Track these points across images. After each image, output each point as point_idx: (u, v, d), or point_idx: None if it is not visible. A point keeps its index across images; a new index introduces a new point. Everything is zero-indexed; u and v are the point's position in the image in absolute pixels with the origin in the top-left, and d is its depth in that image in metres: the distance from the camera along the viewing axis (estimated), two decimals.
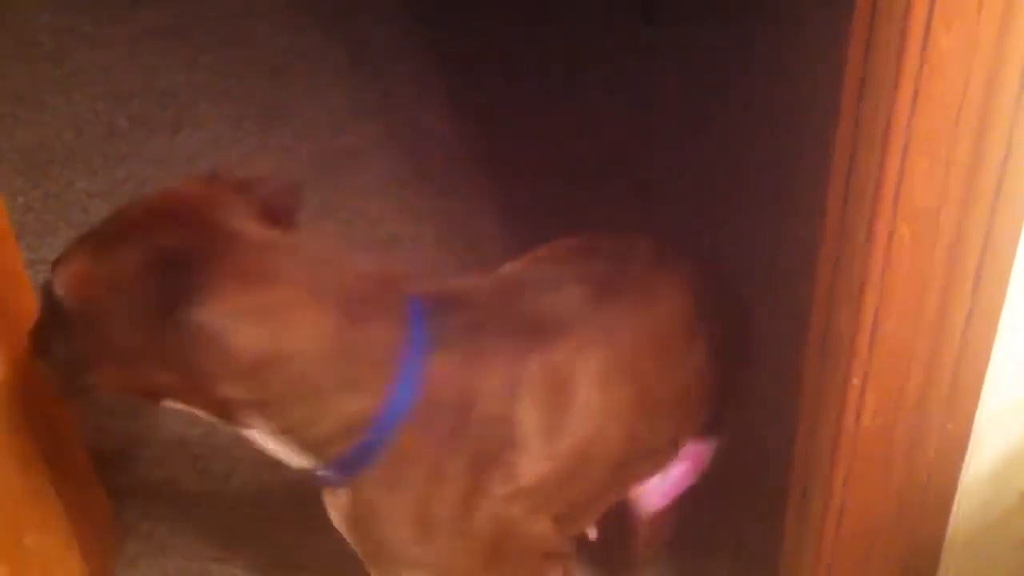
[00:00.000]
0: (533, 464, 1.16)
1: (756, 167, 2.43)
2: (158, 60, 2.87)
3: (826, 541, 1.24)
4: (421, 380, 1.10)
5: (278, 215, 1.09)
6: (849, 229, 1.05)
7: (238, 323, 0.98)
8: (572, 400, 1.18)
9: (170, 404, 1.07)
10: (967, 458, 1.15)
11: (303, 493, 1.78)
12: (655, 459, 1.37)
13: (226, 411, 1.06)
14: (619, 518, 1.48)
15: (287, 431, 1.08)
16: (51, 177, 2.49)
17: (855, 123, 1.03)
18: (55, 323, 1.06)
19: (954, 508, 1.19)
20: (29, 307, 1.41)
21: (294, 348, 1.02)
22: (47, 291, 1.06)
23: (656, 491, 1.43)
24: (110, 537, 1.70)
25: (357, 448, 1.10)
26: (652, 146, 2.54)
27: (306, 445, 1.10)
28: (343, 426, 1.09)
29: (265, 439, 1.10)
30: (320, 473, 1.14)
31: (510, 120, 2.65)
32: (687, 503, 1.49)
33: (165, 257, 0.98)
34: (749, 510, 1.70)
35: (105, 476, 1.72)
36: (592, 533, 1.48)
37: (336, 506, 1.20)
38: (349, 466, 1.12)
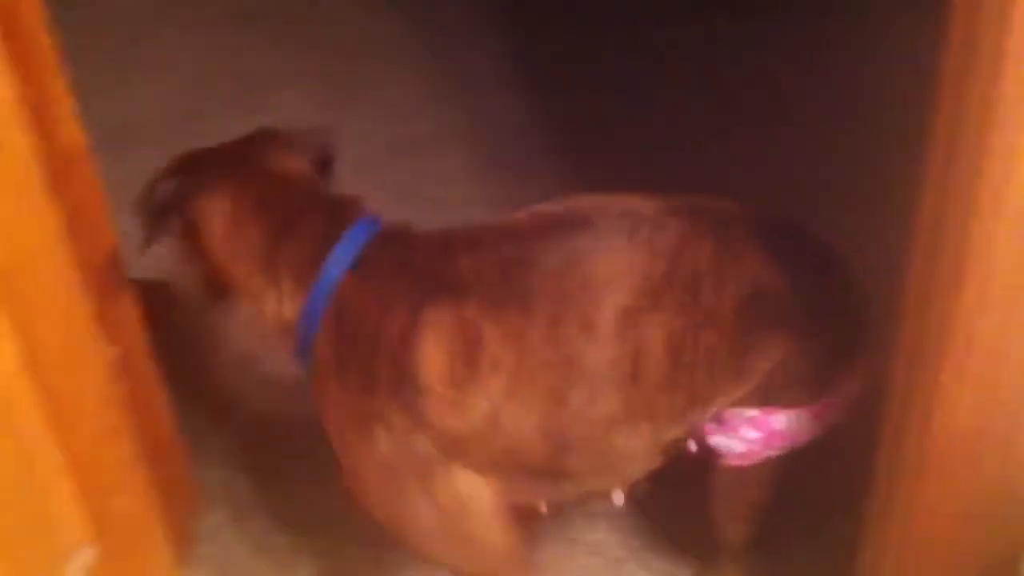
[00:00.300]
0: (437, 409, 1.22)
1: (837, 161, 2.41)
2: (240, 41, 2.91)
3: (909, 540, 1.23)
4: (331, 296, 1.26)
5: (319, 162, 1.38)
6: (944, 227, 1.04)
7: (212, 218, 1.31)
8: (481, 357, 1.22)
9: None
10: None
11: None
12: (651, 433, 1.32)
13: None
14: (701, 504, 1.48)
15: (257, 321, 1.32)
16: (131, 155, 2.52)
17: (954, 118, 1.02)
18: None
19: None
20: (123, 278, 1.45)
21: (240, 246, 1.30)
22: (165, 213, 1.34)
23: (730, 453, 1.38)
24: (192, 506, 1.74)
25: (295, 350, 1.30)
26: (731, 142, 2.52)
27: (271, 337, 1.32)
28: (279, 324, 1.30)
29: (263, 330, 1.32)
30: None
31: (588, 108, 2.65)
32: (771, 496, 1.48)
33: (200, 178, 1.33)
34: (829, 504, 1.69)
35: (190, 448, 1.76)
36: (618, 498, 1.46)
37: None
38: (300, 365, 1.31)
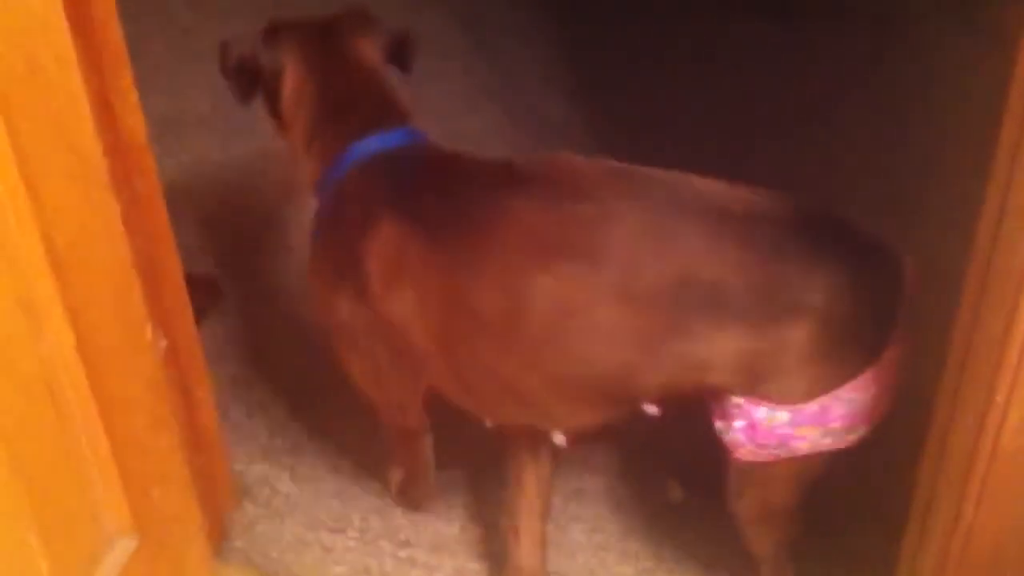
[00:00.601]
0: (372, 295, 1.44)
1: (890, 171, 2.39)
2: None
3: (950, 560, 1.22)
4: (334, 178, 1.51)
5: (393, 54, 1.63)
6: (1004, 241, 1.04)
7: (286, 79, 1.57)
8: (404, 269, 1.41)
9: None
10: None
11: None
12: (547, 385, 1.39)
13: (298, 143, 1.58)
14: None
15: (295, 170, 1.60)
16: (186, 147, 2.56)
17: (1018, 139, 1.02)
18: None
19: None
20: (175, 270, 1.47)
21: (298, 109, 1.56)
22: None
23: (736, 446, 1.37)
24: (229, 498, 1.75)
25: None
26: (776, 143, 2.51)
27: (302, 189, 1.61)
28: (305, 181, 1.58)
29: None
30: None
31: (632, 110, 2.64)
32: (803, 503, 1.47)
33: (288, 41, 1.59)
34: (866, 519, 1.68)
35: (229, 440, 1.78)
36: (559, 439, 1.54)
37: None
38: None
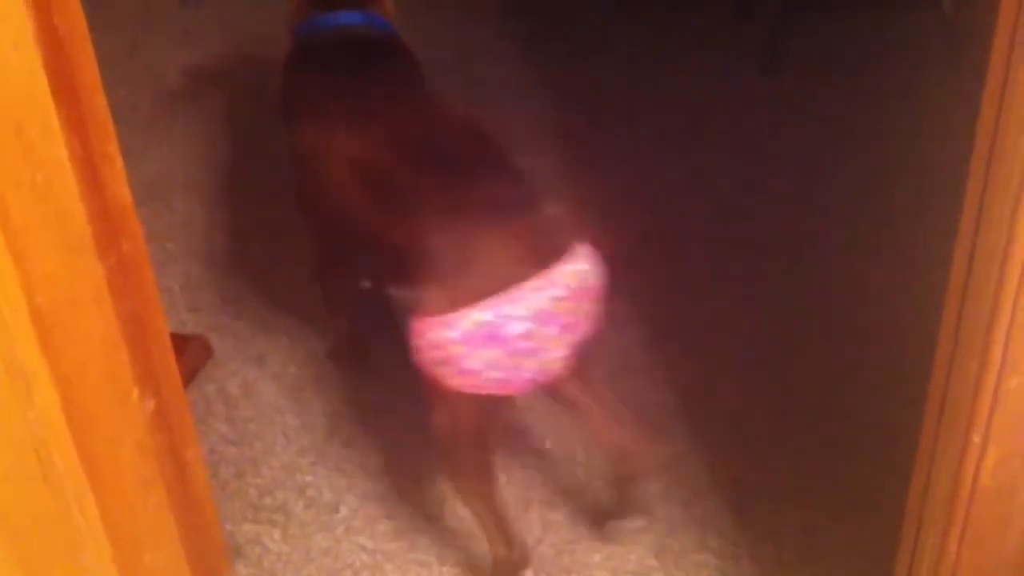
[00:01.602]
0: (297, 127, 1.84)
1: (872, 223, 2.42)
2: None
3: None
4: (300, 33, 1.92)
5: None
6: (975, 287, 1.06)
7: None
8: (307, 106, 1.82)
9: None
10: None
11: (414, 529, 1.83)
12: None
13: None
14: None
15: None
16: (174, 208, 2.58)
17: (983, 188, 1.04)
18: None
19: None
20: (162, 332, 1.48)
21: None
22: None
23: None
24: (221, 559, 1.75)
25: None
26: (765, 199, 2.54)
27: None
28: (288, 27, 1.95)
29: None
30: None
31: (624, 166, 2.67)
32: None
33: None
34: (856, 558, 1.69)
35: (218, 500, 1.78)
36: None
37: None
38: None
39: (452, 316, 1.40)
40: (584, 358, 1.55)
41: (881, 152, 2.64)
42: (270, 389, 2.10)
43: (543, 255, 1.43)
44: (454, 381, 1.45)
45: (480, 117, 1.72)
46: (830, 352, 2.12)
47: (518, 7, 3.36)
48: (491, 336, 1.40)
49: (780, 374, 2.10)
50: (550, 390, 1.61)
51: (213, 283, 2.36)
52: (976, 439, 1.07)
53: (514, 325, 1.40)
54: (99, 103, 1.22)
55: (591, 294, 1.49)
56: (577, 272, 1.45)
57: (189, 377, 2.08)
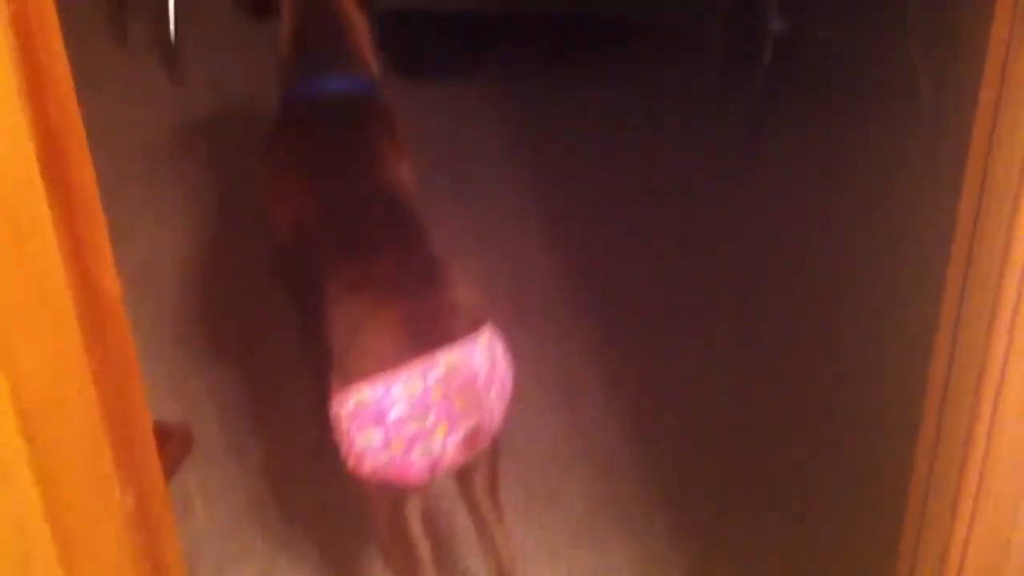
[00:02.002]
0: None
1: (857, 313, 2.43)
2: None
3: None
4: (288, 98, 1.98)
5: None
6: (961, 361, 1.05)
7: (285, 15, 2.02)
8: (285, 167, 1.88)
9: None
10: None
11: None
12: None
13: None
14: None
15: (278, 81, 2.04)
16: (160, 294, 2.56)
17: (968, 255, 1.04)
18: None
19: None
20: (145, 426, 1.45)
21: (290, 35, 2.01)
22: None
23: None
24: None
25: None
26: (749, 289, 2.54)
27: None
28: (279, 88, 2.01)
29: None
30: None
31: (608, 257, 2.68)
32: None
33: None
34: None
35: None
36: None
37: None
38: None
39: (341, 394, 1.42)
40: (490, 457, 1.56)
41: (861, 240, 2.65)
42: (251, 482, 2.06)
43: (430, 340, 1.43)
44: (350, 462, 1.44)
45: (411, 197, 1.78)
46: (820, 446, 2.11)
47: (506, 78, 3.41)
48: (373, 417, 1.40)
49: (763, 441, 2.12)
50: (460, 485, 1.61)
51: (198, 371, 2.33)
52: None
53: (394, 408, 1.40)
54: (90, 195, 1.20)
55: (484, 385, 1.46)
56: (464, 360, 1.44)
57: (171, 468, 2.04)
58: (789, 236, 2.72)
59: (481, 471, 1.60)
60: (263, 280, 2.57)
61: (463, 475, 1.60)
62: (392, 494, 1.49)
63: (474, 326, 1.47)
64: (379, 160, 1.81)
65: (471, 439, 1.46)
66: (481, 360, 1.45)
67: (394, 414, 1.40)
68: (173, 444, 2.06)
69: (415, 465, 1.43)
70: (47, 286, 1.10)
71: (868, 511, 1.95)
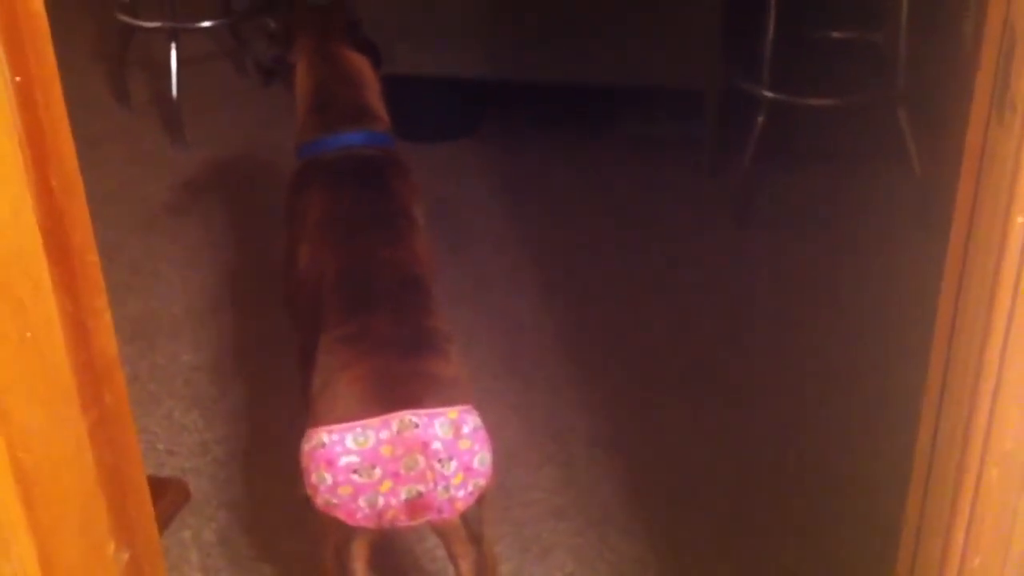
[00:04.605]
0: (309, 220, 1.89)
1: (847, 376, 2.45)
2: (267, 241, 3.01)
3: None
4: (304, 155, 2.02)
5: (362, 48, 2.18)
6: (939, 470, 1.08)
7: (298, 71, 2.15)
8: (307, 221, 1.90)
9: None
10: None
11: None
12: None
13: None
14: None
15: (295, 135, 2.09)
16: (158, 348, 2.60)
17: (945, 365, 1.07)
18: None
19: None
20: (141, 483, 1.47)
21: (301, 92, 2.12)
22: None
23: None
24: None
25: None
26: (740, 351, 2.58)
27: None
28: (296, 143, 2.06)
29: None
30: None
31: (601, 316, 2.71)
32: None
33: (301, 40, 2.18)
34: None
35: None
36: None
37: None
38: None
39: (309, 431, 1.51)
40: (463, 534, 1.60)
41: (852, 305, 2.69)
42: (246, 537, 2.08)
43: (394, 400, 1.49)
44: (307, 491, 1.53)
45: (425, 263, 1.81)
46: (810, 504, 2.13)
47: (501, 139, 3.48)
48: (326, 460, 1.48)
49: (756, 498, 2.13)
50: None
51: (193, 425, 2.36)
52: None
53: (345, 456, 1.48)
54: (91, 260, 1.24)
55: (437, 455, 1.49)
56: (420, 426, 1.48)
57: (165, 522, 2.06)
58: (779, 298, 2.76)
59: (459, 551, 1.63)
60: (258, 336, 2.62)
61: (440, 534, 1.64)
62: (341, 530, 1.55)
63: (447, 400, 1.52)
64: (397, 223, 1.85)
65: (414, 504, 1.50)
66: (440, 432, 1.49)
67: (344, 461, 1.48)
68: (168, 497, 2.09)
69: (360, 511, 1.50)
70: (45, 348, 1.14)
71: (862, 563, 1.97)
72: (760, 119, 3.00)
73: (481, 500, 1.57)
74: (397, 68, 3.15)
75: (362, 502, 1.50)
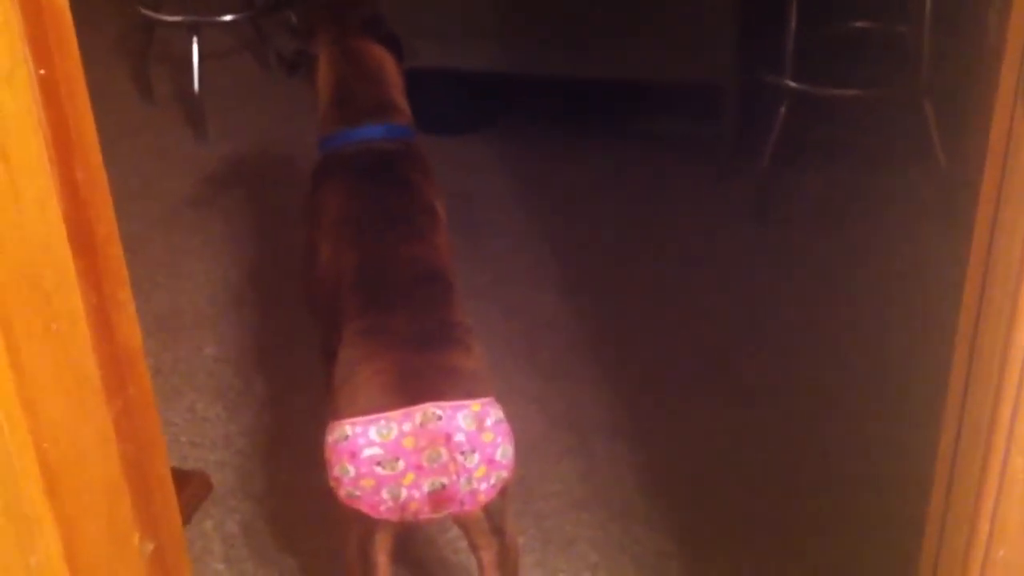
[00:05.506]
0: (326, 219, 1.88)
1: (864, 375, 2.44)
2: (289, 234, 3.02)
3: None
4: (327, 146, 2.01)
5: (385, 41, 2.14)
6: (963, 459, 1.07)
7: (319, 64, 2.12)
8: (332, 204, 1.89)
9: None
10: None
11: None
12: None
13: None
14: None
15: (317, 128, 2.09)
16: (180, 341, 2.61)
17: (970, 354, 1.06)
18: None
19: None
20: (165, 474, 1.49)
21: (322, 85, 2.09)
22: None
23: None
24: None
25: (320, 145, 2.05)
26: (758, 348, 2.57)
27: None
28: (318, 136, 2.05)
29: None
30: None
31: (620, 311, 2.71)
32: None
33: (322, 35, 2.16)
34: None
35: None
36: None
37: None
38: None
39: (332, 423, 1.52)
40: (486, 527, 1.60)
41: (873, 303, 2.67)
42: (269, 528, 2.09)
43: (416, 393, 1.50)
44: (330, 483, 1.53)
45: (446, 257, 1.81)
46: (830, 501, 2.12)
47: (520, 134, 3.48)
48: (349, 452, 1.49)
49: (778, 492, 2.12)
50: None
51: (216, 417, 2.37)
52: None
53: (368, 448, 1.48)
54: (114, 252, 1.25)
55: (460, 447, 1.50)
56: (443, 418, 1.49)
57: (188, 514, 2.07)
58: (800, 296, 2.75)
59: (482, 543, 1.63)
60: (280, 329, 2.63)
61: (462, 526, 1.64)
62: (363, 522, 1.56)
63: (469, 393, 1.52)
64: (418, 217, 1.85)
65: (438, 496, 1.51)
66: (463, 424, 1.49)
67: (367, 454, 1.48)
68: (192, 489, 2.10)
69: (384, 503, 1.51)
70: (70, 340, 1.15)
71: (884, 558, 1.96)
72: (782, 111, 2.98)
73: (503, 492, 1.57)
74: (415, 62, 3.16)
75: (385, 494, 1.51)
